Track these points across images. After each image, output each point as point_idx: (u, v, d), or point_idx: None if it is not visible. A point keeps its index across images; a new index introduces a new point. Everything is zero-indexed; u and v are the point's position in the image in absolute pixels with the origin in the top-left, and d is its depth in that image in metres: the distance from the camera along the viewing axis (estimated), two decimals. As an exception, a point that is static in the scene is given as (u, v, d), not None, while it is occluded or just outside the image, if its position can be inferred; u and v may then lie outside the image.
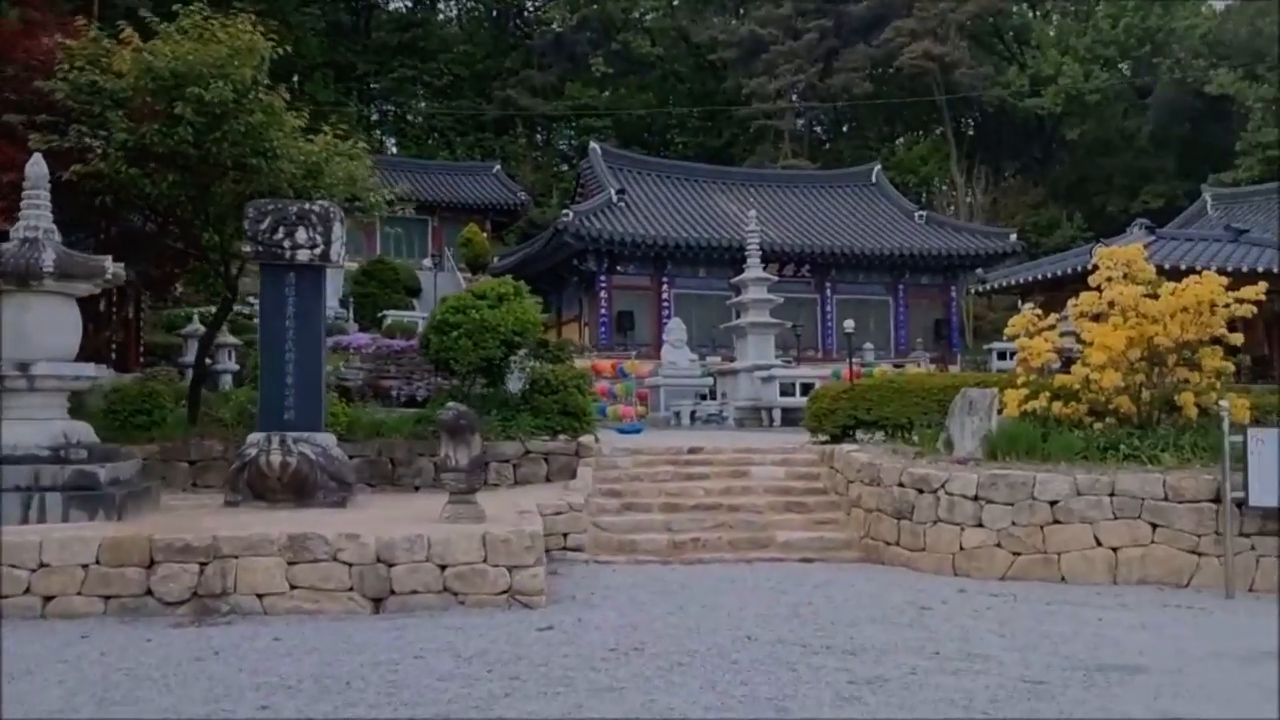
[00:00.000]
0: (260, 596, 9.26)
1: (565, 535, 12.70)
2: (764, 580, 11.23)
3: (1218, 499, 11.30)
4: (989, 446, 12.93)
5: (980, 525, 11.77)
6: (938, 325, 37.59)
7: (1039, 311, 14.55)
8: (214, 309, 32.16)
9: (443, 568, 9.48)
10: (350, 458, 13.98)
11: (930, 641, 8.18)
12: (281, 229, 11.70)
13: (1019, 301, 37.71)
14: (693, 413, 24.30)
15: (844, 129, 63.04)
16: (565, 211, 33.08)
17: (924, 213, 39.14)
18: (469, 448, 10.19)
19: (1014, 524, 11.66)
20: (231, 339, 25.44)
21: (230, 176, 13.00)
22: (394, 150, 59.41)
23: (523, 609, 9.41)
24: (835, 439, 15.50)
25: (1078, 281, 16.05)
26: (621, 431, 21.23)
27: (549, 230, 34.70)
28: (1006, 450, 12.78)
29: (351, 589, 9.36)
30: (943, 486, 12.04)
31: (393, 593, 9.41)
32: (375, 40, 59.28)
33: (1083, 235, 45.18)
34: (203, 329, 26.46)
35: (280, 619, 9.01)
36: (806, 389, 24.74)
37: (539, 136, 64.46)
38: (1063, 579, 11.46)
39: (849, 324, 17.54)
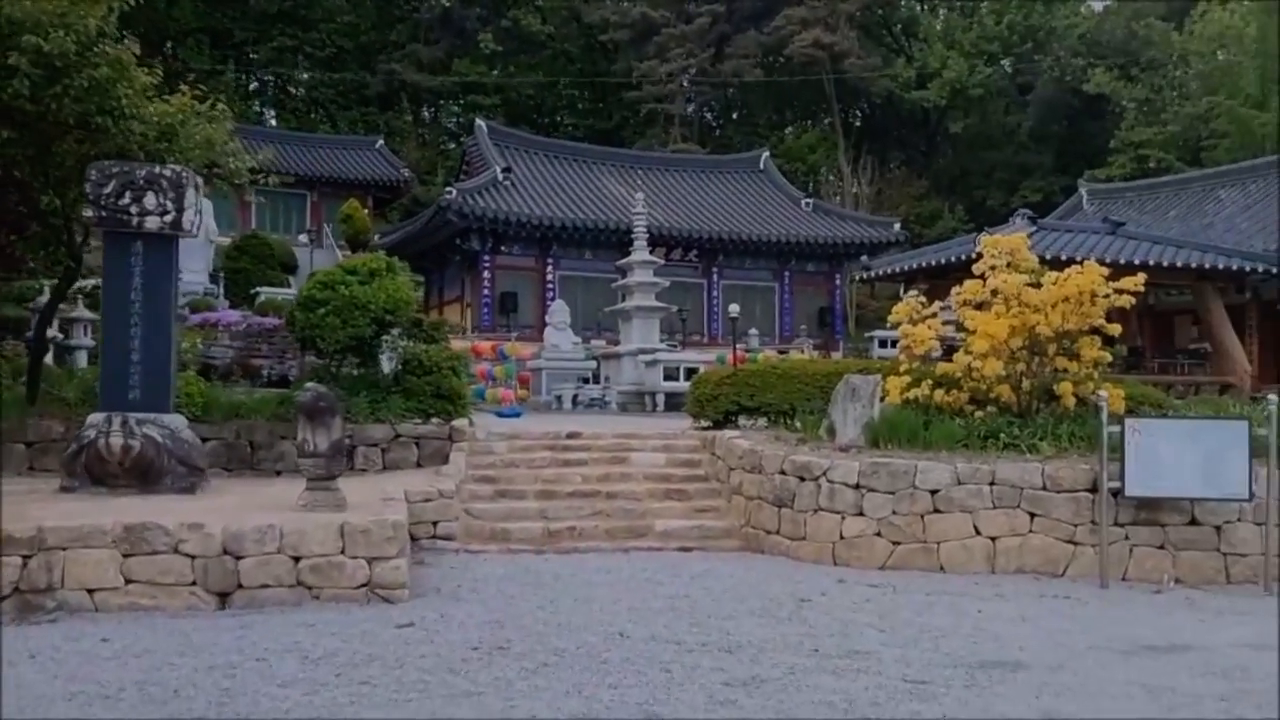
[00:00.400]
0: (91, 592, 8.49)
1: (435, 524, 12.13)
2: (640, 571, 10.82)
3: (1094, 488, 11.28)
4: (871, 434, 12.74)
5: (861, 514, 11.55)
6: (822, 313, 37.78)
7: (923, 299, 14.43)
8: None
9: (296, 560, 8.83)
10: (205, 441, 13.19)
11: (810, 637, 7.85)
12: (128, 194, 10.84)
13: (901, 290, 38.14)
14: (575, 397, 23.82)
15: (734, 116, 63.10)
16: (449, 189, 32.23)
17: (811, 200, 39.29)
18: (329, 431, 9.53)
19: (895, 513, 11.47)
20: (88, 314, 24.02)
21: (73, 136, 11.98)
22: (274, 123, 57.49)
23: (383, 604, 8.82)
24: (718, 425, 15.19)
25: (961, 270, 16.01)
26: (500, 415, 20.65)
27: (432, 208, 33.77)
28: (889, 438, 12.60)
29: (194, 584, 8.65)
30: (824, 474, 11.79)
31: (240, 587, 8.72)
32: (254, 6, 57.11)
33: (964, 227, 45.95)
34: (86, 311, 25.01)
35: (113, 617, 8.26)
36: (691, 374, 24.41)
37: (425, 113, 63.06)
38: (942, 569, 11.32)
39: (734, 308, 17.28)
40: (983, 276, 13.71)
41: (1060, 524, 11.36)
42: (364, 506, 9.98)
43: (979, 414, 13.29)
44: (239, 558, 8.72)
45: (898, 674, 6.83)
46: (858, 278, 20.10)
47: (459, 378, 14.83)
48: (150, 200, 10.81)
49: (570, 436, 14.86)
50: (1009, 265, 13.64)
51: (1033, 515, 11.43)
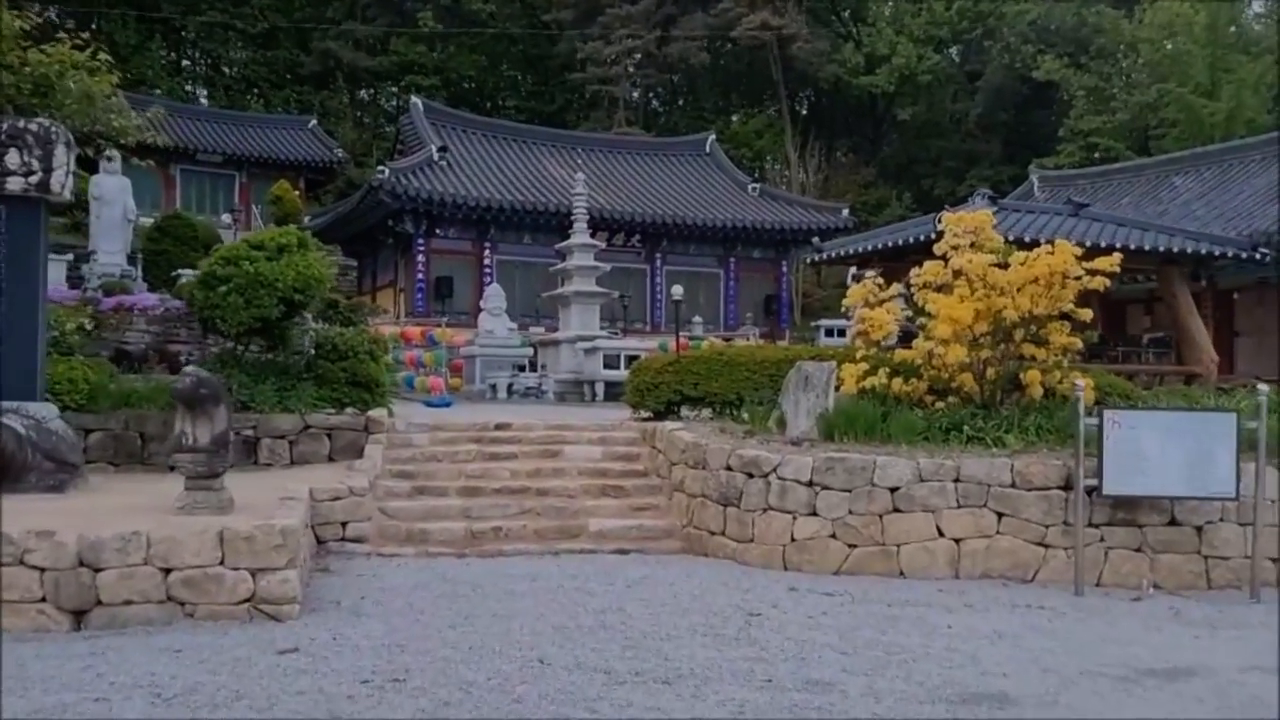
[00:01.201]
0: (-84, 612, 7.20)
1: (344, 524, 10.99)
2: (571, 578, 9.70)
3: (1067, 486, 10.36)
4: (826, 426, 11.72)
5: (814, 514, 10.54)
6: (768, 300, 36.86)
7: (880, 280, 13.43)
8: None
9: (166, 572, 7.60)
10: (90, 432, 11.93)
11: (761, 662, 6.78)
12: (-13, 151, 9.49)
13: (848, 277, 37.28)
14: (510, 385, 22.62)
15: (680, 101, 62.02)
16: (381, 168, 30.78)
17: (757, 185, 38.34)
18: (212, 422, 8.29)
19: (851, 513, 10.47)
20: None
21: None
22: (205, 102, 55.39)
23: (269, 622, 7.61)
24: (659, 416, 14.10)
25: (919, 252, 15.05)
26: (429, 405, 19.44)
27: (364, 188, 32.31)
28: (845, 431, 11.59)
29: (44, 600, 7.39)
30: (774, 471, 10.76)
31: (99, 604, 7.48)
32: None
33: (911, 215, 45.20)
34: None
35: (-61, 641, 6.98)
36: (632, 362, 23.41)
37: (363, 94, 61.22)
38: (902, 573, 10.36)
39: (677, 290, 16.21)
40: (944, 257, 12.74)
41: (1030, 525, 10.42)
42: (256, 508, 8.76)
43: (940, 405, 12.33)
44: (97, 570, 7.47)
45: (866, 711, 5.77)
46: (809, 260, 19.16)
47: (377, 363, 13.60)
48: (12, 158, 9.49)
49: (499, 428, 13.70)
50: (972, 245, 12.68)
51: (1000, 515, 10.49)
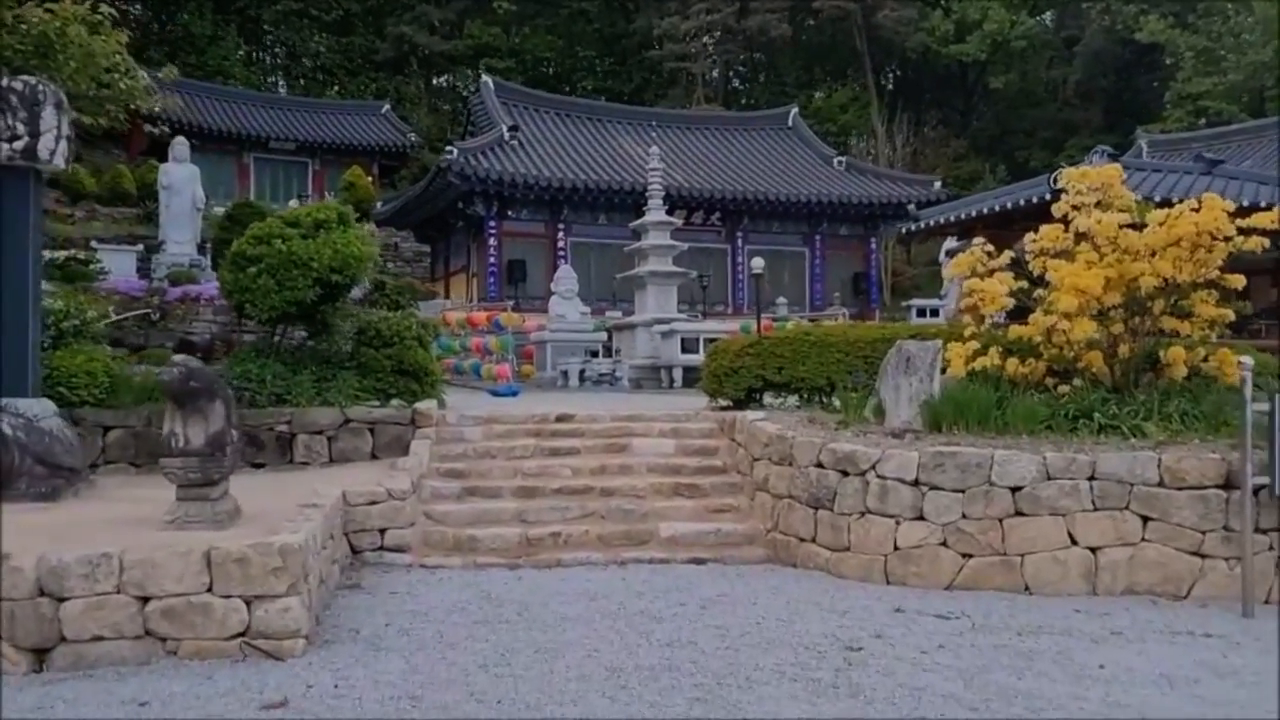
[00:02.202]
0: None
1: (383, 531, 9.72)
2: (635, 596, 8.31)
3: (1229, 484, 8.64)
4: (931, 415, 10.14)
5: (921, 518, 8.99)
6: (856, 279, 35.01)
7: (990, 247, 11.74)
8: None
9: (143, 601, 6.34)
10: (109, 430, 10.85)
11: (866, 724, 5.29)
12: (-36, 113, 8.36)
13: (941, 253, 35.23)
14: (581, 372, 21.28)
15: (761, 76, 60.12)
16: (449, 148, 29.63)
17: (843, 158, 36.43)
18: (206, 420, 7.02)
19: (965, 517, 8.89)
20: (46, 285, 21.69)
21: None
22: (284, 91, 55.10)
23: (265, 661, 6.33)
24: (738, 404, 12.62)
25: (1030, 216, 13.36)
26: (495, 394, 18.19)
27: (432, 170, 31.23)
28: (954, 420, 10.00)
29: (-1, 636, 6.19)
30: (873, 467, 9.22)
31: (64, 640, 6.25)
32: (257, -32, 54.71)
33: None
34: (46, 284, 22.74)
35: None
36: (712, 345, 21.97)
37: (441, 81, 60.43)
38: (1027, 589, 8.75)
39: (758, 263, 14.62)
40: (1064, 220, 11.06)
41: (1183, 531, 8.72)
42: (268, 518, 7.51)
43: (1063, 388, 10.66)
44: (61, 600, 6.25)
45: (1015, 810, 4.26)
46: (904, 232, 17.48)
47: (426, 350, 12.33)
48: (-6, 121, 8.32)
49: (561, 420, 12.32)
50: (1099, 205, 10.96)
51: (1146, 520, 8.80)
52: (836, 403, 12.28)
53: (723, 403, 12.79)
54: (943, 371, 10.63)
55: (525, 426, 12.11)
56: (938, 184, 34.44)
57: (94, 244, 30.45)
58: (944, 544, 8.92)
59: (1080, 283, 10.23)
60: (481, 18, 55.20)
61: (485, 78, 35.75)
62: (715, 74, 54.72)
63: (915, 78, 57.24)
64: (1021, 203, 13.48)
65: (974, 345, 10.70)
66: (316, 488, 9.49)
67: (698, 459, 11.59)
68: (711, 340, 21.81)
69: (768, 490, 10.42)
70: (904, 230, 17.96)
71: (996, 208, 13.83)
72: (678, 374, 21.22)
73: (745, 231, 33.57)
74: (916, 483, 9.02)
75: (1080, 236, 10.93)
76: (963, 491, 8.92)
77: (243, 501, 8.09)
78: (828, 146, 38.20)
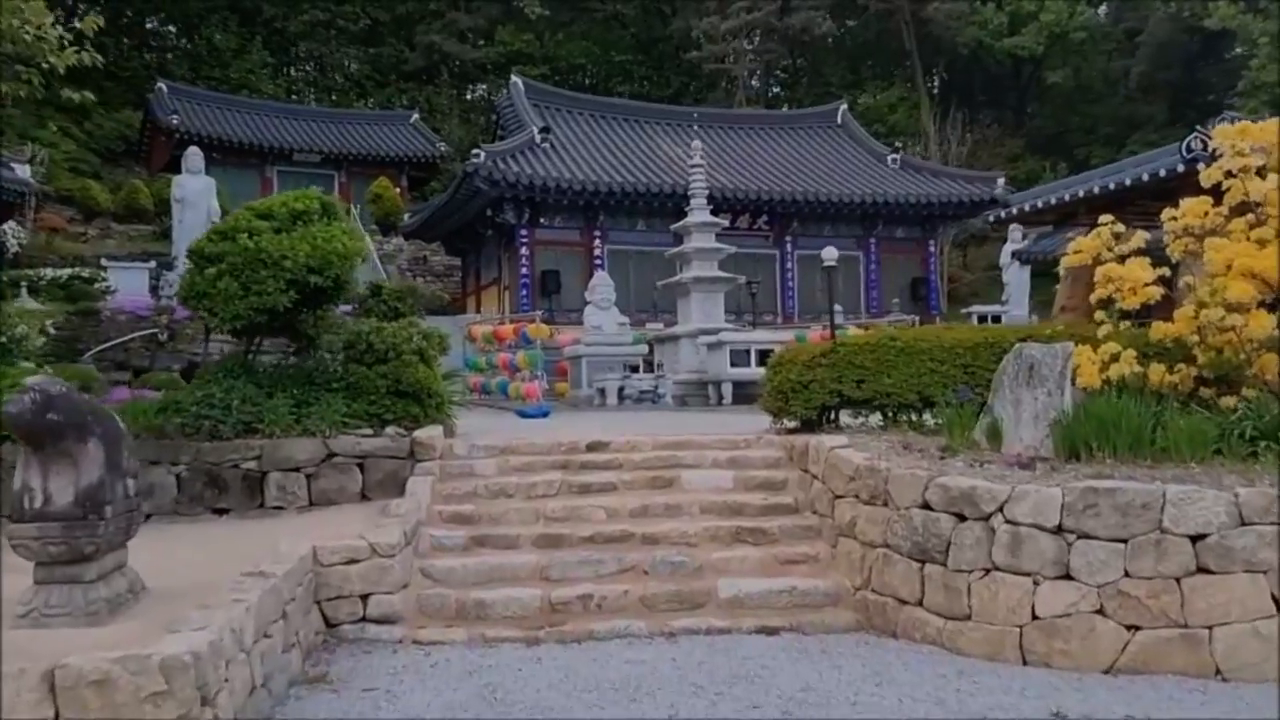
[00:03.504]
0: None
1: (365, 598, 7.63)
2: (693, 692, 6.18)
3: None
4: (1065, 437, 7.90)
5: (1068, 577, 6.78)
6: (914, 284, 32.60)
7: (1119, 227, 9.47)
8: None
9: (-44, 746, 4.24)
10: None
11: None
12: None
13: (1001, 254, 32.80)
14: (620, 389, 19.11)
15: (803, 78, 57.82)
16: (475, 151, 27.62)
17: (898, 155, 34.02)
18: (76, 469, 4.93)
19: (1128, 575, 6.68)
20: (32, 303, 19.91)
21: None
22: (312, 105, 53.56)
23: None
24: (809, 425, 10.39)
25: (1153, 195, 11.04)
26: (523, 415, 16.11)
27: (458, 175, 29.26)
28: (1098, 443, 7.75)
29: None
30: (1000, 509, 7.01)
31: None
32: (283, -22, 53.28)
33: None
34: (31, 301, 21.01)
35: None
36: (765, 358, 19.67)
37: (471, 92, 58.65)
38: (1218, 673, 6.49)
39: (830, 253, 12.29)
40: (1215, 190, 8.80)
41: None
42: (183, 598, 5.42)
43: (1228, 400, 8.36)
44: None
45: None
46: (993, 220, 15.26)
47: (430, 366, 10.22)
48: None
49: (593, 448, 10.14)
50: (1261, 171, 8.68)
51: (1382, 579, 6.51)
52: (930, 420, 10.05)
53: (789, 424, 10.57)
54: (1072, 381, 8.38)
55: (550, 458, 9.94)
56: (1001, 181, 31.99)
57: (104, 262, 28.76)
58: (1100, 612, 6.69)
59: (1255, 264, 7.97)
60: (513, 23, 53.40)
61: (515, 78, 33.75)
62: (756, 75, 52.48)
63: (966, 75, 54.71)
64: (1145, 178, 11.20)
65: (1114, 347, 8.42)
66: (280, 542, 7.42)
67: (762, 496, 9.37)
68: (764, 352, 19.63)
69: (854, 537, 8.20)
70: (991, 220, 15.63)
71: (1111, 185, 11.55)
72: (727, 390, 19.02)
73: (795, 235, 31.29)
74: (1060, 529, 6.81)
75: (1240, 209, 8.67)
76: (1124, 541, 6.70)
77: (173, 567, 6.09)
78: (880, 145, 35.84)
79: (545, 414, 16.15)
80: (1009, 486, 7.06)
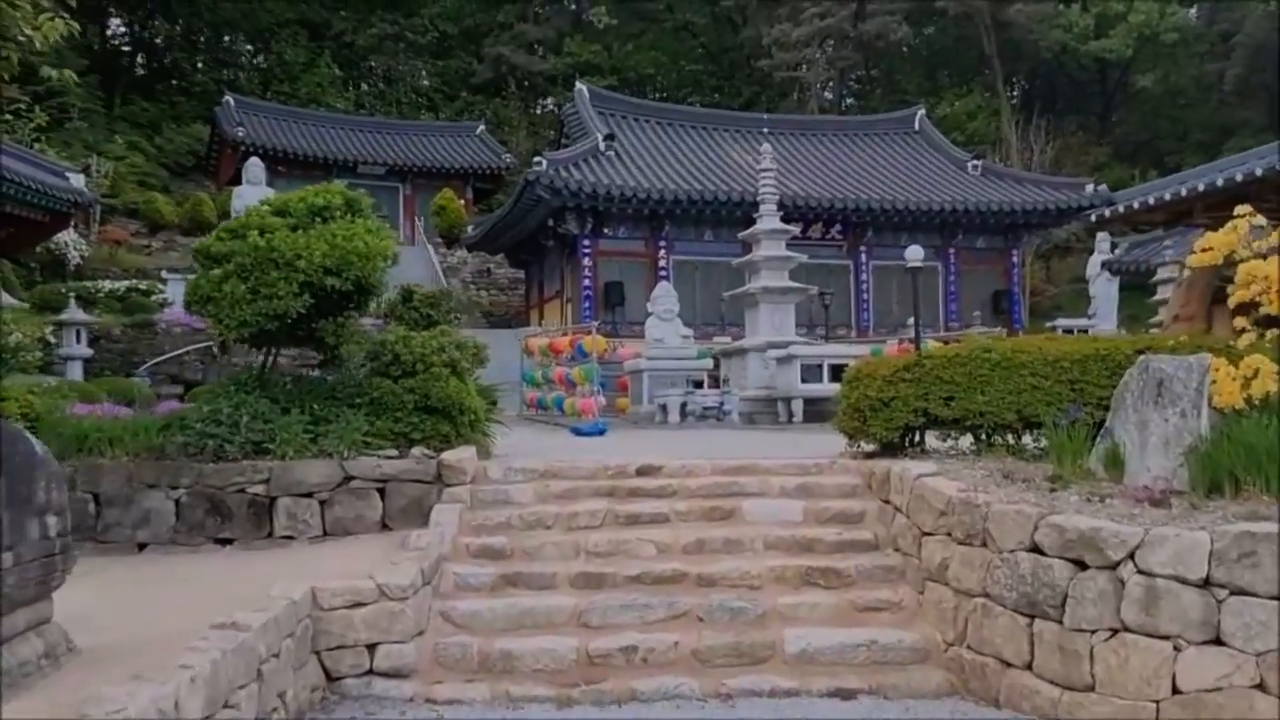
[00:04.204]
0: None
1: (372, 648, 6.57)
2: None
3: None
4: (1204, 468, 6.55)
5: (1218, 642, 5.47)
6: (996, 297, 30.96)
7: (1259, 220, 8.12)
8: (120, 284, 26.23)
9: None
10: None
11: None
12: None
13: (1088, 266, 31.02)
14: (683, 405, 17.92)
15: (877, 89, 56.28)
16: (537, 159, 26.70)
17: (979, 162, 32.44)
18: (26, 520, 3.88)
19: (1295, 641, 5.33)
20: (80, 315, 19.31)
21: None
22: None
23: None
24: (890, 448, 9.13)
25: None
26: (577, 433, 15.04)
27: (520, 184, 28.37)
28: (1245, 474, 6.39)
29: None
30: (1131, 556, 5.76)
31: None
32: (351, -8, 53.20)
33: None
34: (79, 313, 20.49)
35: None
36: (838, 373, 18.37)
37: (539, 105, 58.00)
38: None
39: (915, 252, 10.93)
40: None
41: None
42: (124, 659, 4.40)
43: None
44: None
45: None
46: (1096, 220, 13.84)
47: (463, 380, 9.16)
48: None
49: (643, 473, 8.99)
50: None
51: None
52: (1030, 444, 8.75)
53: (867, 446, 9.32)
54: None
55: (595, 483, 8.81)
56: (1090, 187, 30.23)
57: (164, 274, 28.34)
58: (1259, 686, 5.39)
59: None
60: (581, 34, 52.69)
61: (580, 85, 32.84)
62: (830, 85, 51.06)
63: (1048, 81, 52.79)
64: (1278, 168, 9.81)
65: (1261, 361, 7.06)
66: (276, 582, 6.39)
67: (836, 530, 8.14)
68: (837, 367, 18.33)
69: (946, 582, 6.96)
70: (1094, 220, 14.15)
71: (1238, 177, 10.15)
72: (797, 406, 17.76)
73: (869, 245, 29.87)
74: (1207, 583, 5.52)
75: None
76: (1290, 599, 5.37)
77: (142, 612, 5.21)
78: (960, 151, 34.28)
79: (601, 431, 15.04)
80: (1141, 529, 5.78)
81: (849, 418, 9.15)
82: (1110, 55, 45.28)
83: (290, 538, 8.15)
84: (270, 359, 9.24)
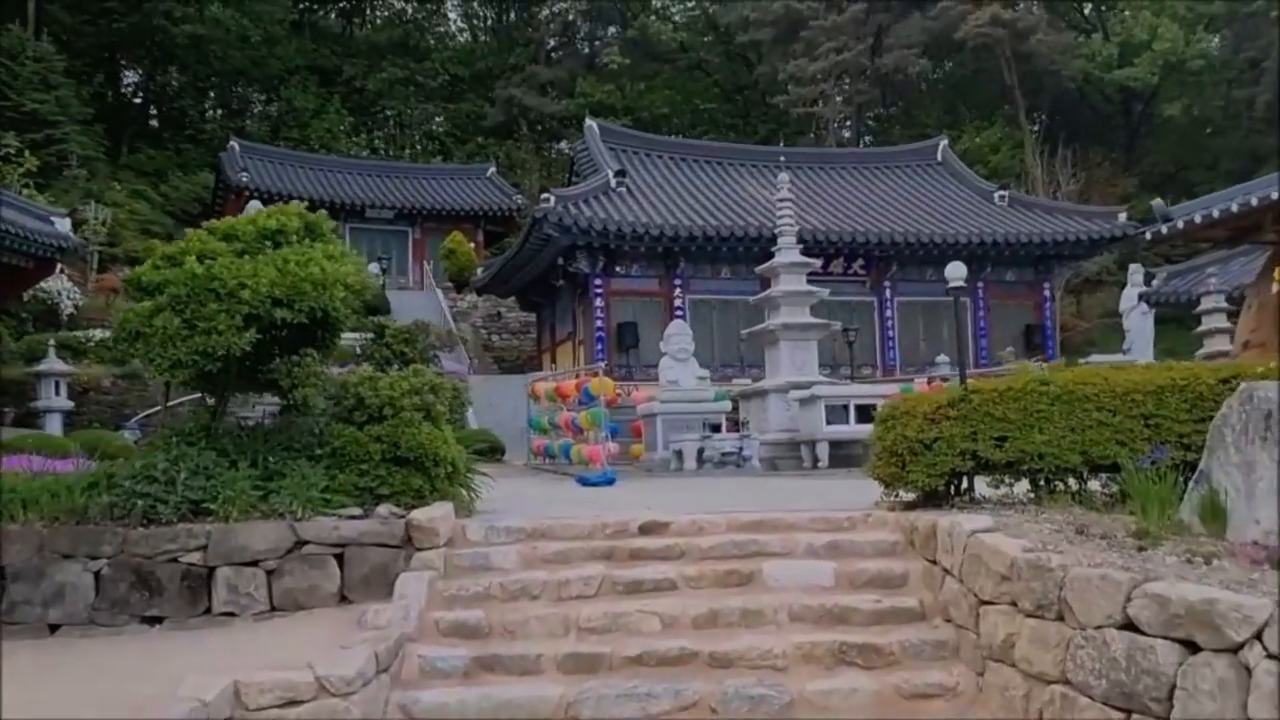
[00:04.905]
0: None
1: (307, 759, 5.27)
2: None
3: None
4: (1332, 521, 5.29)
5: (1380, 751, 4.17)
6: (1028, 331, 29.60)
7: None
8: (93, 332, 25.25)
9: None
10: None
11: None
12: None
13: (1122, 300, 29.73)
14: (700, 451, 16.67)
15: (895, 126, 55.30)
16: (545, 195, 25.67)
17: (1006, 193, 31.21)
18: None
19: None
20: (59, 365, 18.31)
21: None
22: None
23: None
24: (933, 497, 7.87)
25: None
26: (584, 483, 13.83)
27: (529, 222, 27.34)
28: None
29: None
30: (1259, 636, 4.47)
31: None
32: (362, 38, 52.68)
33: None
34: (58, 363, 19.52)
35: None
36: (865, 414, 17.15)
37: (551, 148, 57.28)
38: None
39: (956, 269, 9.65)
40: None
41: None
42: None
43: None
44: None
45: None
46: (1150, 238, 12.64)
47: (438, 426, 7.96)
48: None
49: (647, 531, 7.74)
50: None
51: None
52: (1098, 490, 7.50)
53: (906, 495, 8.05)
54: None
55: (591, 543, 7.57)
56: (1123, 216, 28.93)
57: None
58: None
59: None
60: (594, 75, 52.04)
61: (590, 121, 31.86)
62: (848, 121, 50.13)
63: (1071, 113, 51.59)
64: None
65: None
66: (187, 675, 5.19)
67: (874, 597, 6.86)
68: (864, 407, 17.12)
69: (1012, 663, 5.69)
70: (1149, 236, 12.86)
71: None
72: (822, 450, 16.51)
73: (894, 281, 28.63)
74: (1362, 673, 4.23)
75: None
76: None
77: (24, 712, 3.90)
78: (986, 182, 33.08)
79: (610, 481, 13.82)
80: (1269, 600, 4.52)
81: (885, 462, 7.90)
82: (1135, 84, 44.22)
83: (231, 614, 6.94)
84: (220, 406, 8.09)
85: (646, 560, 7.33)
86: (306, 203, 25.58)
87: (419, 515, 7.30)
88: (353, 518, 7.38)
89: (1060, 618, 5.38)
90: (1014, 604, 5.77)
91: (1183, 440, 7.16)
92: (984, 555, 6.08)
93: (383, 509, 7.51)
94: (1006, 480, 7.81)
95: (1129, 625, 4.96)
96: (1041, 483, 7.68)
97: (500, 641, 6.52)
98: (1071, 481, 7.60)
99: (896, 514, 7.82)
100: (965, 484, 7.94)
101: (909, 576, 7.06)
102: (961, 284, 9.42)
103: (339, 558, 7.17)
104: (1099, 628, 5.09)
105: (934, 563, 6.89)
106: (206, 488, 7.21)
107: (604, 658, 6.30)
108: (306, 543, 7.14)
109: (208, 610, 6.94)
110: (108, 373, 22.53)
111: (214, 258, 7.26)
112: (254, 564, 7.03)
